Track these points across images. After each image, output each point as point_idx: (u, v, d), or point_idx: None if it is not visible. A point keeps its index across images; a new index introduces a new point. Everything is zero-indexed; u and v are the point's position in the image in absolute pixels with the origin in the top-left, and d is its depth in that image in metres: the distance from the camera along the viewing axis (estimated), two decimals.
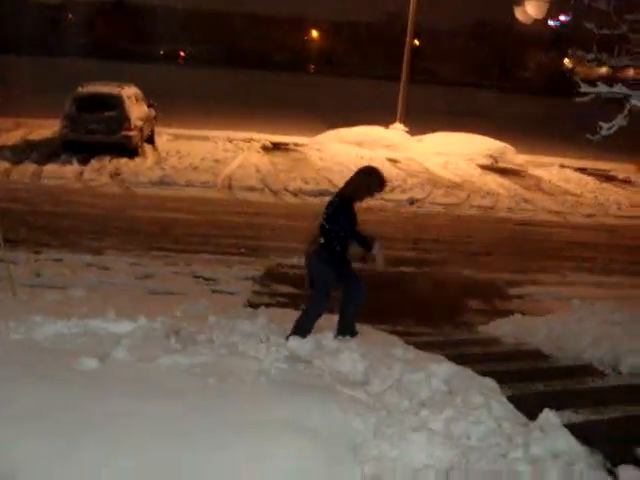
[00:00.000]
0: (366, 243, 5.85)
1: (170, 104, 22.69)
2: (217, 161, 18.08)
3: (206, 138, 21.59)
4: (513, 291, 9.15)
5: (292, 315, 6.36)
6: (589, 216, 14.99)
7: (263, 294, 8.52)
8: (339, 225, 5.72)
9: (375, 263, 5.93)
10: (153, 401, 3.73)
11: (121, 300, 7.11)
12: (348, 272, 6.00)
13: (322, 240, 5.82)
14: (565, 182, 18.65)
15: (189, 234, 11.13)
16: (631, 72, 6.17)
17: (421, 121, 24.33)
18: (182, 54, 74.28)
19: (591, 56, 6.11)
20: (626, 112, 4.83)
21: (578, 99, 5.30)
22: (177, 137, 21.40)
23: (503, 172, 20.06)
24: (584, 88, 5.15)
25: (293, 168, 18.01)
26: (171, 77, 40.55)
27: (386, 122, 23.72)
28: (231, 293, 8.42)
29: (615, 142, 16.33)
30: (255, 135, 22.48)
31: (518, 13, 17.90)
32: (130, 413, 3.57)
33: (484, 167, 20.47)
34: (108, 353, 4.49)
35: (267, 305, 7.68)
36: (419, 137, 23.02)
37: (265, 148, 21.06)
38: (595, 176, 20.29)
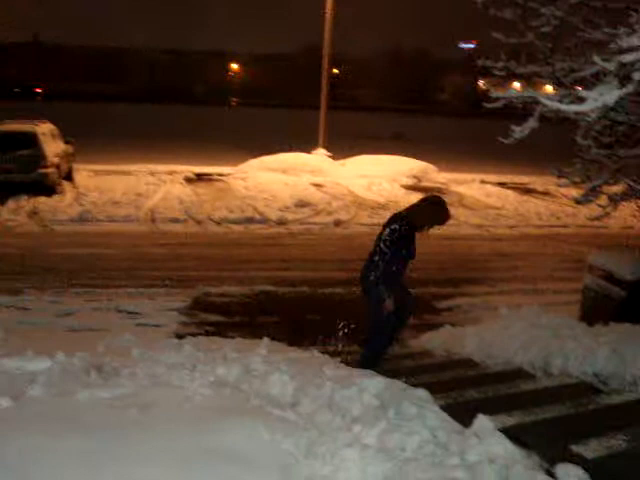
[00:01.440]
0: None
1: (89, 140, 22.24)
2: (139, 195, 17.72)
3: (127, 173, 21.18)
4: (442, 304, 9.20)
5: (220, 343, 6.19)
6: (511, 227, 15.31)
7: (190, 324, 8.32)
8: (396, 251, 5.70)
9: None
10: (68, 436, 3.50)
11: (40, 339, 6.82)
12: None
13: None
14: (486, 196, 19.00)
15: (111, 269, 10.80)
16: (549, 89, 6.28)
17: (344, 146, 24.57)
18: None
19: (500, 64, 6.21)
20: (537, 115, 4.88)
21: (488, 105, 5.34)
22: (97, 173, 20.89)
23: (426, 191, 20.26)
24: (494, 93, 5.19)
25: (217, 198, 17.81)
26: (92, 114, 39.94)
27: (310, 149, 23.84)
28: (157, 325, 8.18)
29: (533, 156, 16.88)
30: (178, 167, 22.20)
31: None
32: (43, 450, 3.34)
33: (408, 187, 20.72)
34: (23, 391, 4.22)
35: (194, 335, 7.47)
36: (342, 161, 23.19)
37: (188, 180, 20.79)
38: (515, 189, 20.81)
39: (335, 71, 73.08)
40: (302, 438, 3.76)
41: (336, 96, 65.76)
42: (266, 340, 6.14)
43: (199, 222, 14.87)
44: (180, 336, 7.50)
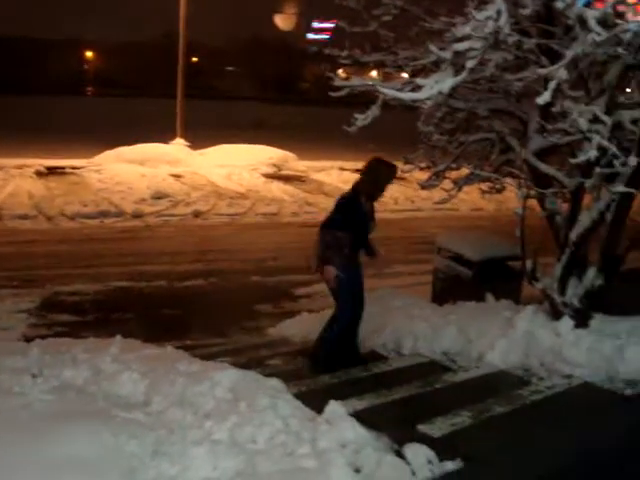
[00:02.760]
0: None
1: None
2: None
3: None
4: (300, 291, 9.26)
5: (70, 344, 5.90)
6: None
7: (40, 326, 7.92)
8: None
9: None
10: None
11: None
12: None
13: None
14: (345, 183, 19.24)
15: None
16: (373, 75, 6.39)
17: (203, 135, 24.17)
18: None
19: (345, 53, 6.26)
20: (379, 103, 4.95)
21: (333, 94, 5.37)
22: None
23: (286, 179, 20.45)
24: (337, 82, 5.23)
25: (70, 192, 17.03)
26: None
27: (168, 139, 23.32)
28: (3, 329, 7.74)
29: (387, 141, 17.26)
30: (29, 161, 20.93)
31: (278, 21, 18.41)
32: None
33: (268, 175, 20.71)
34: None
35: (44, 337, 7.10)
36: (202, 151, 22.84)
37: (39, 173, 19.67)
38: None
39: (194, 59, 72.06)
40: (148, 438, 3.64)
41: (196, 85, 64.90)
42: (119, 338, 5.90)
43: (50, 218, 14.17)
44: (29, 339, 7.13)
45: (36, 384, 4.41)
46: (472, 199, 15.73)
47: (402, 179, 21.05)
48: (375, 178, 5.56)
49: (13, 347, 6.60)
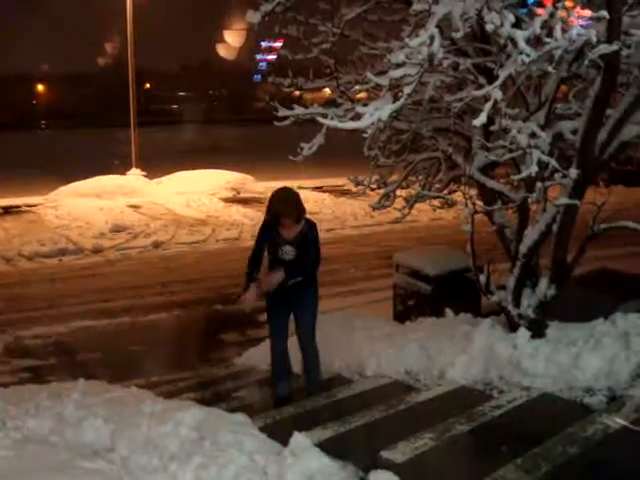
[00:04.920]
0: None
1: None
2: None
3: None
4: (263, 317, 9.19)
5: (34, 390, 5.84)
6: (329, 230, 15.61)
7: (3, 373, 7.80)
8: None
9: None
10: None
11: None
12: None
13: None
14: (304, 202, 19.29)
15: None
16: (327, 93, 6.45)
17: (160, 163, 24.11)
18: None
19: (288, 81, 6.33)
20: (324, 130, 5.01)
21: (278, 123, 5.43)
22: None
23: (246, 202, 20.45)
24: (282, 112, 5.28)
25: (27, 231, 16.78)
26: None
27: (124, 170, 23.19)
28: None
29: (343, 159, 17.37)
30: None
31: (220, 50, 18.50)
32: None
33: (227, 200, 20.74)
34: None
35: (6, 385, 7.00)
36: (158, 180, 22.75)
37: None
38: (331, 192, 21.41)
39: (147, 86, 71.83)
40: None
41: (150, 111, 64.58)
42: (82, 382, 5.82)
43: (8, 260, 13.94)
44: None
45: None
46: (429, 209, 15.85)
47: (363, 195, 21.45)
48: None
49: None
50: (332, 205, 19.14)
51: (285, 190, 5.65)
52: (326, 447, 4.00)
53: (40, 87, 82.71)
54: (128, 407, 5.17)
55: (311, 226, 5.63)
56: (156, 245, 14.85)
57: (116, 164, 23.56)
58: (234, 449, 4.07)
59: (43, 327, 9.39)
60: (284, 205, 5.45)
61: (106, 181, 21.63)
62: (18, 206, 20.36)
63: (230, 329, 9.00)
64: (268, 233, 5.54)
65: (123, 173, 22.93)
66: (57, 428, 4.75)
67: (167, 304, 10.39)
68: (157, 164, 23.80)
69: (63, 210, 19.12)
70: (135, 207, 19.55)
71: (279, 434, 4.25)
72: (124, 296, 10.94)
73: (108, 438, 4.52)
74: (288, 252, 5.49)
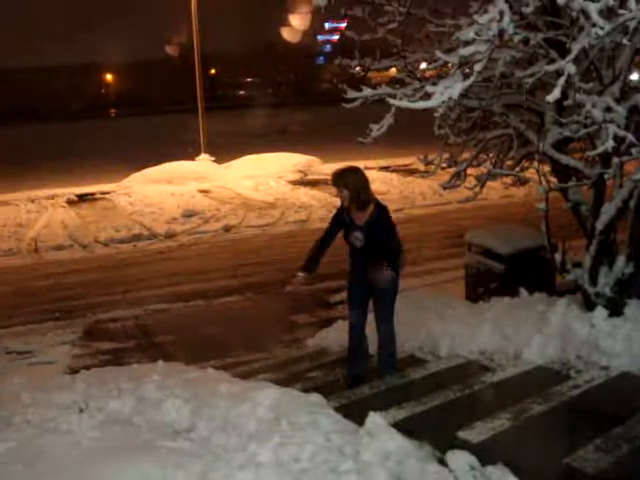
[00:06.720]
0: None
1: None
2: (20, 225, 16.94)
3: (5, 203, 20.13)
4: (334, 298, 9.29)
5: (115, 372, 6.04)
6: (397, 210, 15.51)
7: (84, 356, 8.07)
8: None
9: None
10: None
11: None
12: None
13: None
14: (371, 182, 19.20)
15: None
16: (392, 73, 6.40)
17: (227, 148, 24.41)
18: None
19: (355, 62, 6.31)
20: (393, 111, 4.99)
21: (347, 105, 5.43)
22: None
23: (313, 184, 20.52)
24: (350, 94, 5.27)
25: (102, 218, 17.31)
26: None
27: (194, 155, 23.56)
28: (49, 362, 7.89)
29: (410, 137, 17.22)
30: (59, 190, 21.30)
31: (285, 33, 18.51)
32: None
33: (294, 182, 20.86)
34: None
35: (88, 367, 7.25)
36: (227, 164, 23.04)
37: (71, 202, 20.04)
38: (398, 172, 21.29)
39: (212, 71, 72.50)
40: (195, 466, 3.72)
41: (217, 97, 65.27)
42: (160, 363, 6.02)
43: (85, 246, 14.41)
44: (74, 370, 7.28)
45: (83, 420, 4.51)
46: (500, 186, 15.59)
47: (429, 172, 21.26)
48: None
49: (59, 381, 6.75)
50: (400, 185, 19.03)
51: (339, 172, 5.46)
52: (402, 427, 4.02)
53: (108, 76, 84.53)
54: (206, 388, 5.29)
55: (382, 210, 5.40)
56: (227, 229, 15.07)
57: (190, 151, 23.88)
58: (310, 429, 4.13)
59: (121, 311, 9.68)
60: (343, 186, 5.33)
61: (176, 167, 22.01)
62: (93, 193, 20.98)
63: (301, 311, 9.08)
64: (341, 217, 5.47)
65: (192, 158, 23.30)
66: (138, 409, 4.91)
67: (239, 287, 10.55)
68: (225, 149, 24.08)
69: (136, 196, 19.58)
70: (205, 192, 19.86)
71: (354, 414, 4.27)
72: (197, 279, 11.16)
73: (188, 418, 4.64)
74: (358, 238, 5.30)
